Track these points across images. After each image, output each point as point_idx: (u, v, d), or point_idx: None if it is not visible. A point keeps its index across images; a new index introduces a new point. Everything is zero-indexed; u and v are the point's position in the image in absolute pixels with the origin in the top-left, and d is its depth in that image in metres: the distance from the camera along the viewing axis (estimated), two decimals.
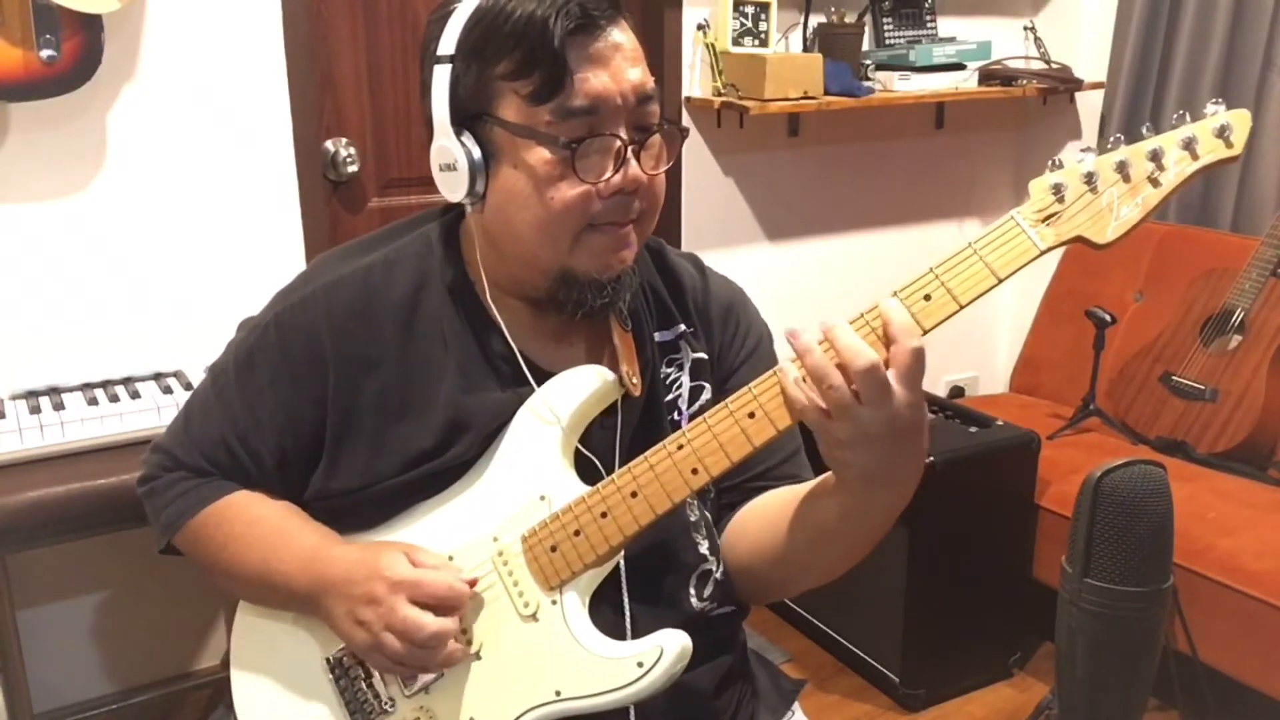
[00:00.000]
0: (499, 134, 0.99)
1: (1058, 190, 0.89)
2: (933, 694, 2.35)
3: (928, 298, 0.88)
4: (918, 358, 0.86)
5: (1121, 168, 0.88)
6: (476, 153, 0.99)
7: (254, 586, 1.11)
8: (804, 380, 0.88)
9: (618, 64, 0.97)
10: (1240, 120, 0.87)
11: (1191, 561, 2.07)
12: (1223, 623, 2.04)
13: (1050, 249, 0.88)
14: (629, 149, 0.97)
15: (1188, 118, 0.89)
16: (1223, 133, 0.87)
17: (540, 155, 0.97)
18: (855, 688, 2.40)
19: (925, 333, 0.88)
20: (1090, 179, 0.88)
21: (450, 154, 1.00)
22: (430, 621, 0.96)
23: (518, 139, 0.98)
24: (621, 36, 0.98)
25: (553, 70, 0.95)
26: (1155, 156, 0.88)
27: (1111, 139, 0.90)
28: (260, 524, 1.09)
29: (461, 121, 1.00)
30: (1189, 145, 0.87)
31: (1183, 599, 2.00)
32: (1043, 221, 0.89)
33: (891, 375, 0.86)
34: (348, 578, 1.01)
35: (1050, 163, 0.90)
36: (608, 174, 0.97)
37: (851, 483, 0.94)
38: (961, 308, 0.88)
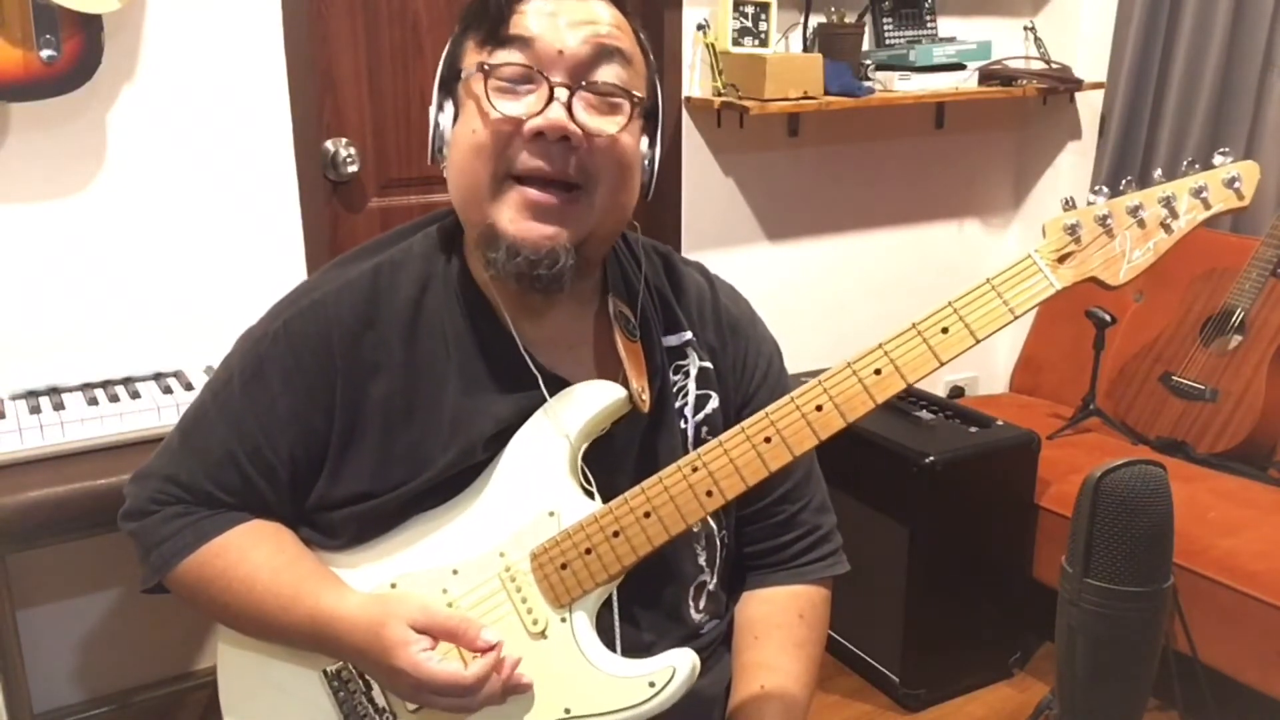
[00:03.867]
0: (460, 87, 1.01)
1: (1073, 231, 0.91)
2: (933, 694, 2.35)
3: (945, 330, 0.90)
4: None
5: (1135, 212, 0.91)
6: (446, 111, 1.02)
7: (256, 637, 1.10)
8: None
9: (570, 19, 0.97)
10: (1249, 172, 0.90)
11: (1191, 561, 2.07)
12: (1223, 623, 2.04)
13: (1066, 288, 0.91)
14: (555, 91, 0.95)
15: (1197, 166, 0.91)
16: (1232, 183, 0.90)
17: (475, 89, 0.98)
18: (855, 688, 2.40)
19: (942, 364, 0.91)
20: (1105, 221, 0.91)
21: (432, 119, 1.03)
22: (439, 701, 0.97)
23: (467, 81, 0.99)
24: (596, 4, 0.99)
25: (498, 15, 0.97)
26: (1168, 203, 0.90)
27: (1124, 181, 0.92)
28: (255, 581, 1.04)
29: (444, 86, 1.03)
30: (1200, 194, 0.90)
31: (1183, 599, 2.00)
32: (1059, 261, 0.91)
33: None
34: (357, 650, 1.00)
35: (1064, 202, 0.92)
36: (534, 112, 0.95)
37: None
38: (978, 342, 0.90)
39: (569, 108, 0.95)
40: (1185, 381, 2.50)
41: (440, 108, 1.02)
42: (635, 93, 1.00)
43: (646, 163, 1.05)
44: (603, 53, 0.97)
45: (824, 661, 2.45)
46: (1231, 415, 2.40)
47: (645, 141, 1.04)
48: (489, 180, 0.97)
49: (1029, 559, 2.40)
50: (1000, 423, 2.37)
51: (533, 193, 0.97)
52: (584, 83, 0.97)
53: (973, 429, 2.35)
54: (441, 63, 1.04)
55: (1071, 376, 2.76)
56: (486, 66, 0.96)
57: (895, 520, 2.28)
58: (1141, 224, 0.90)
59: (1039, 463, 2.35)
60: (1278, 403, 2.39)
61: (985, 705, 2.36)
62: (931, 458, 2.19)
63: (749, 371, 1.16)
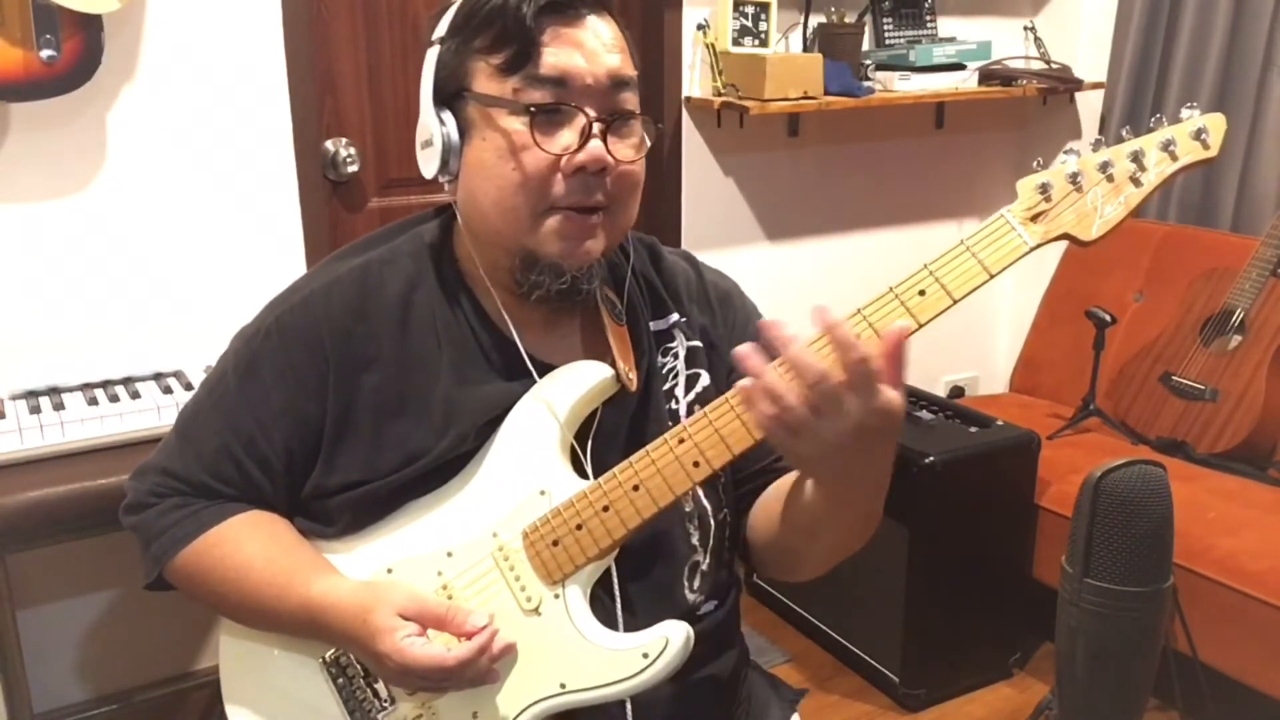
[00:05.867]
0: (473, 108, 1.02)
1: (1044, 189, 0.92)
2: (933, 694, 2.35)
3: (922, 293, 0.91)
4: (869, 366, 0.83)
5: (1105, 168, 0.92)
6: (453, 128, 1.03)
7: (253, 626, 1.11)
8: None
9: (592, 47, 0.99)
10: (1215, 123, 0.92)
11: (1191, 561, 2.07)
12: (1223, 623, 2.04)
13: (1038, 246, 0.92)
14: (593, 125, 0.98)
15: (1164, 121, 0.93)
16: (1199, 135, 0.92)
17: (507, 123, 0.99)
18: (855, 688, 2.41)
19: (920, 327, 0.91)
20: (1075, 179, 0.92)
21: (428, 130, 1.04)
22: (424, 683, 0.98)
23: (489, 110, 1.00)
24: (601, 26, 1.01)
25: (523, 43, 0.98)
26: (1136, 157, 0.92)
27: (1093, 141, 0.94)
28: (250, 570, 1.06)
29: (442, 99, 1.03)
30: (1168, 147, 0.92)
31: (1183, 599, 2.00)
32: (1031, 219, 0.92)
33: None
34: (346, 637, 1.01)
35: (1036, 163, 0.94)
36: (572, 146, 0.98)
37: (822, 483, 0.95)
38: (955, 302, 0.91)
39: (604, 139, 0.99)
40: (1185, 381, 2.50)
41: (442, 122, 1.03)
42: (653, 121, 1.04)
43: None
44: (621, 82, 1.01)
45: (824, 661, 2.47)
46: (1231, 415, 2.40)
47: None
48: (529, 214, 1.00)
49: (1029, 559, 2.40)
50: (1000, 423, 2.37)
51: (575, 219, 1.01)
52: (612, 114, 1.00)
53: (973, 429, 2.35)
54: (433, 72, 1.04)
55: (1071, 376, 2.76)
56: (533, 108, 0.98)
57: (895, 520, 2.28)
58: (1111, 179, 0.92)
59: (1039, 463, 2.35)
60: (1278, 403, 2.39)
61: (985, 705, 2.36)
62: (931, 458, 2.19)
63: (742, 339, 1.17)
